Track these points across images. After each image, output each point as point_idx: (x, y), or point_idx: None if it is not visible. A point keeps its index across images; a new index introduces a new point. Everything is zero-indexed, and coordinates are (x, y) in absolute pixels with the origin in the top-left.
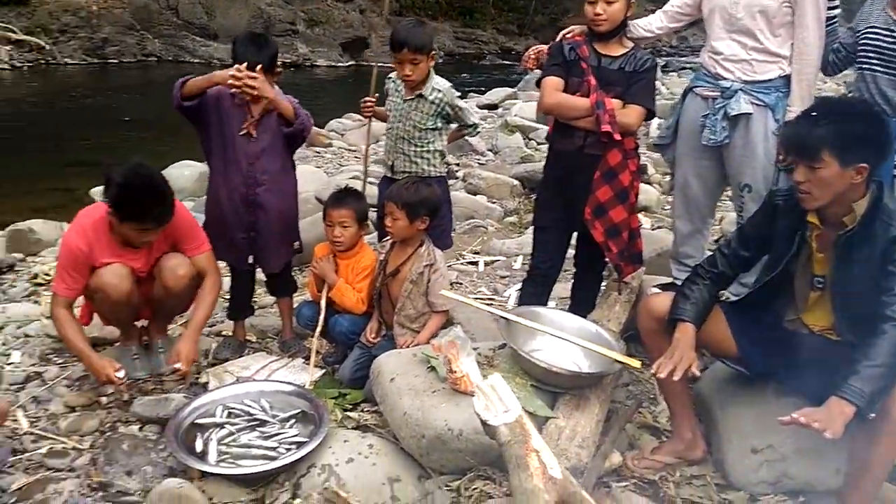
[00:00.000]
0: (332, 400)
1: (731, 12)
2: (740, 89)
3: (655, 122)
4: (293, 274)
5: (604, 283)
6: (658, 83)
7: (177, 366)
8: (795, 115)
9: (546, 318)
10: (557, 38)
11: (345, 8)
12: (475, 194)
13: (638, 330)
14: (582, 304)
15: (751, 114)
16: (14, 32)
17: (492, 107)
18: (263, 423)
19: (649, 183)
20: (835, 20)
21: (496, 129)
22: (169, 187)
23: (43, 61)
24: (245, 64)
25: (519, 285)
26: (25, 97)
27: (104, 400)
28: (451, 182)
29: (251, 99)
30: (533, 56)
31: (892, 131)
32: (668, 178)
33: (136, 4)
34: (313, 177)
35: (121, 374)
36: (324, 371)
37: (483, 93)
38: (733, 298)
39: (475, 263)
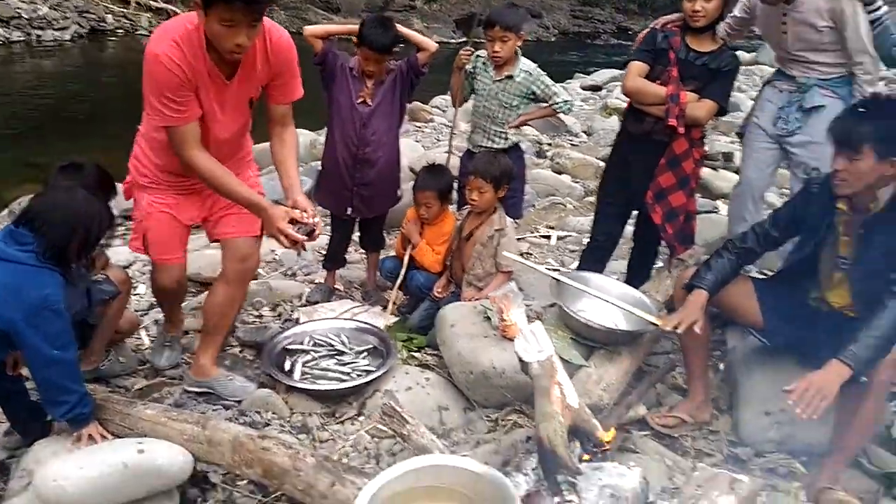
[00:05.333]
0: (401, 342)
1: (782, 46)
2: (816, 84)
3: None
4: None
5: (662, 260)
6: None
7: (312, 220)
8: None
9: (593, 282)
10: (654, 24)
11: None
12: (560, 173)
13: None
14: (637, 276)
15: (824, 106)
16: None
17: (595, 88)
18: (342, 353)
19: (736, 172)
20: (881, 20)
21: (596, 111)
22: None
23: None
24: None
25: None
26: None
27: None
28: (538, 161)
29: (368, 74)
30: (641, 38)
31: None
32: None
33: None
34: (411, 149)
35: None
36: (398, 318)
37: (590, 73)
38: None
39: (548, 237)
